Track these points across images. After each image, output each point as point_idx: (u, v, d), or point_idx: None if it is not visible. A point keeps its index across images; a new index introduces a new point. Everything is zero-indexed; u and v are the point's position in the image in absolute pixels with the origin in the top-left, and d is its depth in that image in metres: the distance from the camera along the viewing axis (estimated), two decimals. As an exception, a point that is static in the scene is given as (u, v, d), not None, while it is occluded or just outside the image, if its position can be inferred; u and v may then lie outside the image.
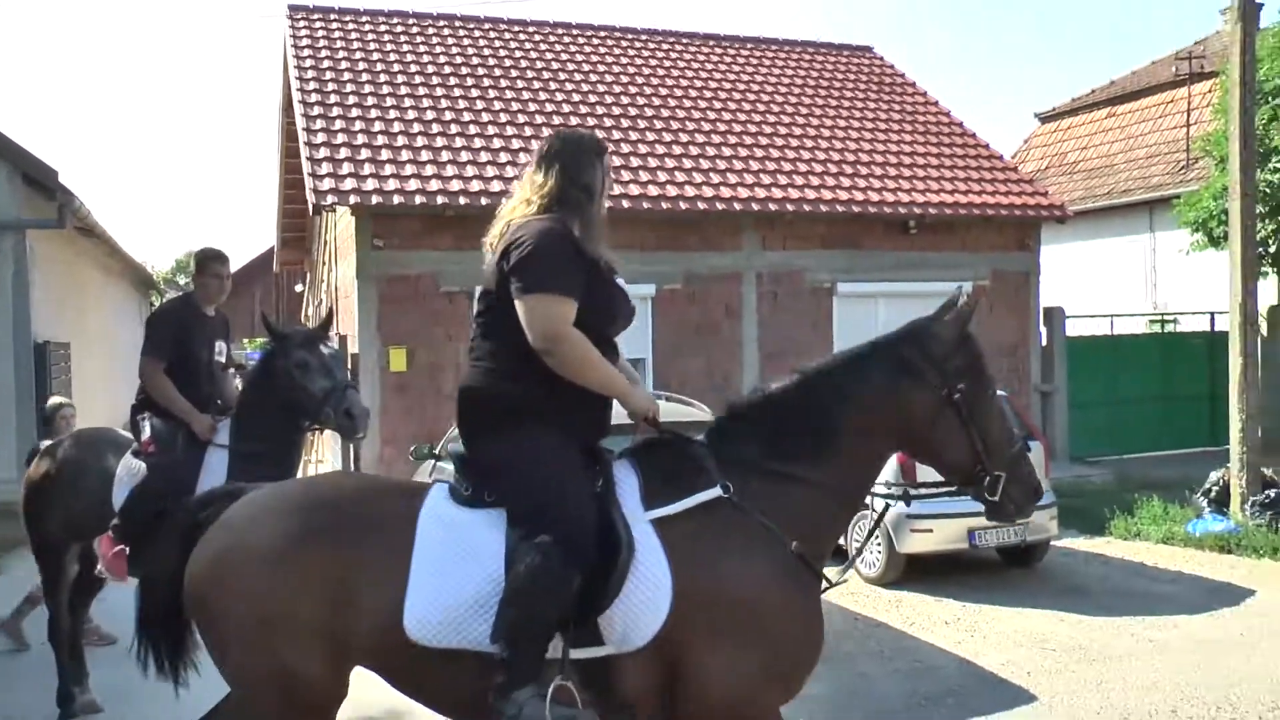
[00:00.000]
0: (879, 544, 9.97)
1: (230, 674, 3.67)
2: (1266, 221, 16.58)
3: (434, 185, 13.54)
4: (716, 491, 3.66)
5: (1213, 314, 18.41)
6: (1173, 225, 19.26)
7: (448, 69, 16.64)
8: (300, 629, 3.52)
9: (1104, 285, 22.05)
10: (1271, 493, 11.82)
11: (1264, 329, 18.83)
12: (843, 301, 15.57)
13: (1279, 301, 19.22)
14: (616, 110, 16.39)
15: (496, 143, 14.79)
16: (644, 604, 3.49)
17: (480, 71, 16.74)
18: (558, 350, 3.62)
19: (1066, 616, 8.88)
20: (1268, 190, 16.15)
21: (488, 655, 3.47)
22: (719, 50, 19.35)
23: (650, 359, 14.56)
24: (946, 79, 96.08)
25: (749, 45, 19.82)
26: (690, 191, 14.76)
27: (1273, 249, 17.20)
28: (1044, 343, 17.32)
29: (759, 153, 16.16)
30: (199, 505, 3.97)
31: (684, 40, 19.43)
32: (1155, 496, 12.74)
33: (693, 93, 17.56)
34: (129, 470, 6.15)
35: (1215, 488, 12.40)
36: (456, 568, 3.55)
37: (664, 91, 17.35)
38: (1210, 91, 20.95)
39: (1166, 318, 20.80)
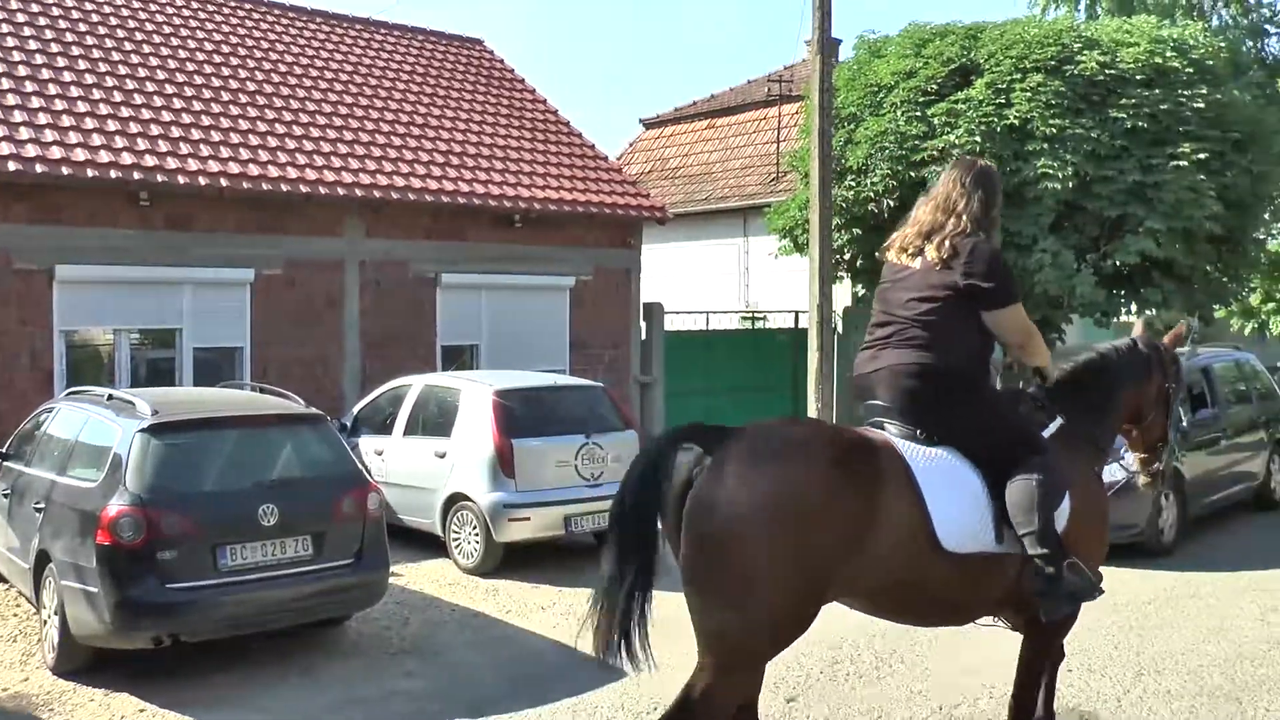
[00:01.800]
0: (476, 534, 9.98)
1: (755, 599, 4.16)
2: (843, 232, 18.11)
3: (6, 149, 12.19)
4: (1060, 421, 5.06)
5: (797, 313, 19.84)
6: (764, 231, 20.62)
7: (21, 16, 15.00)
8: (839, 551, 4.18)
9: (701, 284, 23.28)
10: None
11: (840, 328, 20.61)
12: (446, 292, 15.50)
13: (853, 303, 21.06)
14: (216, 81, 15.45)
15: (82, 106, 13.48)
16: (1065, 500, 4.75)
17: (63, 25, 15.20)
18: (1031, 343, 5.00)
19: (658, 594, 9.21)
20: (844, 205, 17.64)
21: (993, 555, 4.61)
22: (326, 27, 18.63)
23: (248, 347, 13.86)
24: (556, 79, 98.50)
25: (357, 26, 19.26)
26: (292, 173, 14.19)
27: (848, 257, 18.82)
28: (644, 337, 18.08)
29: (365, 138, 15.79)
30: (676, 439, 4.39)
31: (291, 14, 18.57)
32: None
33: (297, 69, 16.85)
34: None
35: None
36: (954, 492, 4.54)
37: (267, 66, 16.53)
38: (798, 113, 22.58)
39: (757, 315, 22.25)
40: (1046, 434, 4.96)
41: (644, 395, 17.91)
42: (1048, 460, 4.66)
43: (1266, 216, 22.54)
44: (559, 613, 8.78)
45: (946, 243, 4.80)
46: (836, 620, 8.23)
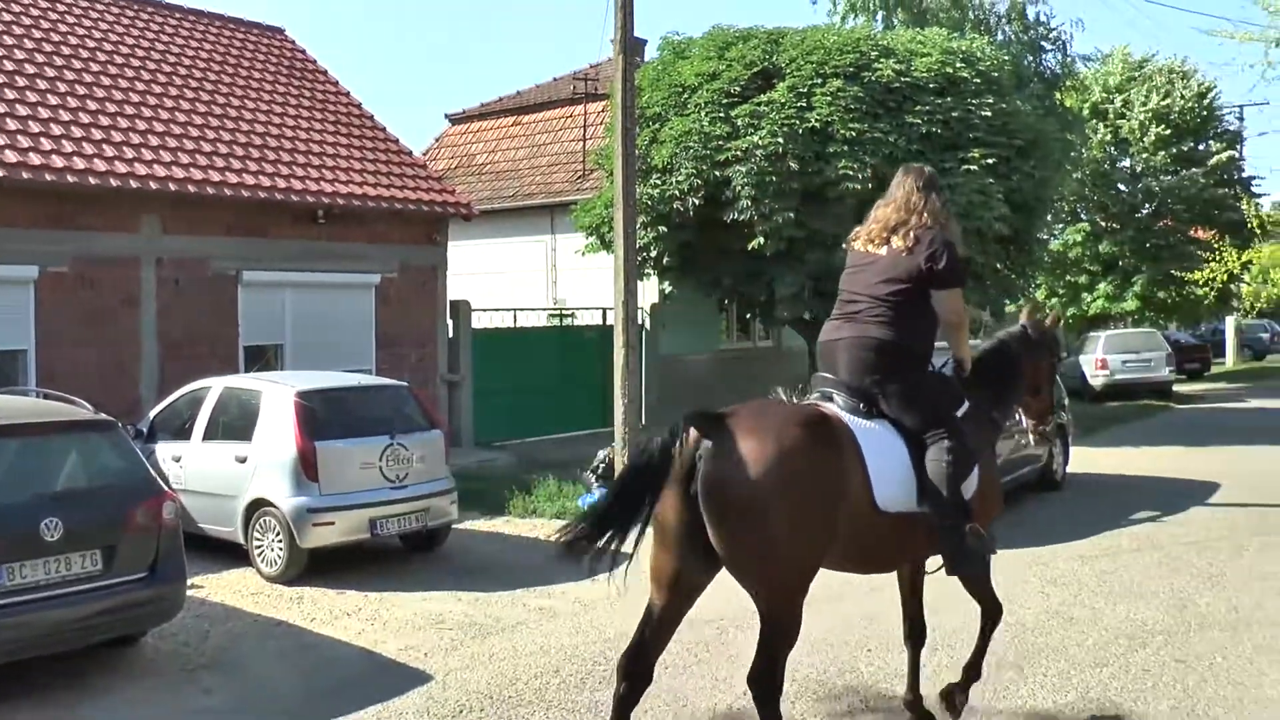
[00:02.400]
0: (279, 540, 9.70)
1: (777, 551, 4.89)
2: (649, 230, 18.33)
3: None
4: (968, 404, 5.79)
5: (605, 309, 20.00)
6: (571, 228, 20.70)
7: None
8: (829, 508, 5.01)
9: (509, 281, 23.20)
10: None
11: (648, 324, 20.85)
12: (248, 290, 15.02)
13: (661, 300, 21.36)
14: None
15: None
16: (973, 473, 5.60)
17: None
18: (962, 330, 5.85)
19: (465, 595, 9.20)
20: (650, 203, 17.85)
21: (913, 514, 5.36)
22: (116, 9, 17.64)
23: (33, 350, 13.10)
24: (359, 72, 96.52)
25: (149, 9, 18.36)
26: (80, 164, 13.48)
27: (655, 254, 19.04)
28: (451, 335, 17.92)
29: (160, 127, 15.11)
30: (685, 425, 4.96)
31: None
32: (552, 476, 13.73)
33: (83, 52, 15.89)
34: None
35: (602, 464, 13.58)
36: (888, 460, 5.31)
37: (48, 47, 15.48)
38: (603, 111, 22.75)
39: (565, 312, 22.32)
40: (963, 410, 5.75)
41: (452, 394, 17.77)
42: (962, 440, 5.46)
43: (1049, 218, 23.99)
44: (365, 618, 8.63)
45: (911, 234, 5.57)
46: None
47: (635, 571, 10.14)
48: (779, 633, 5.03)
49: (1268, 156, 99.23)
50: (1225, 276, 26.77)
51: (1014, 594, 8.99)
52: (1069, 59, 26.53)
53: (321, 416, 10.00)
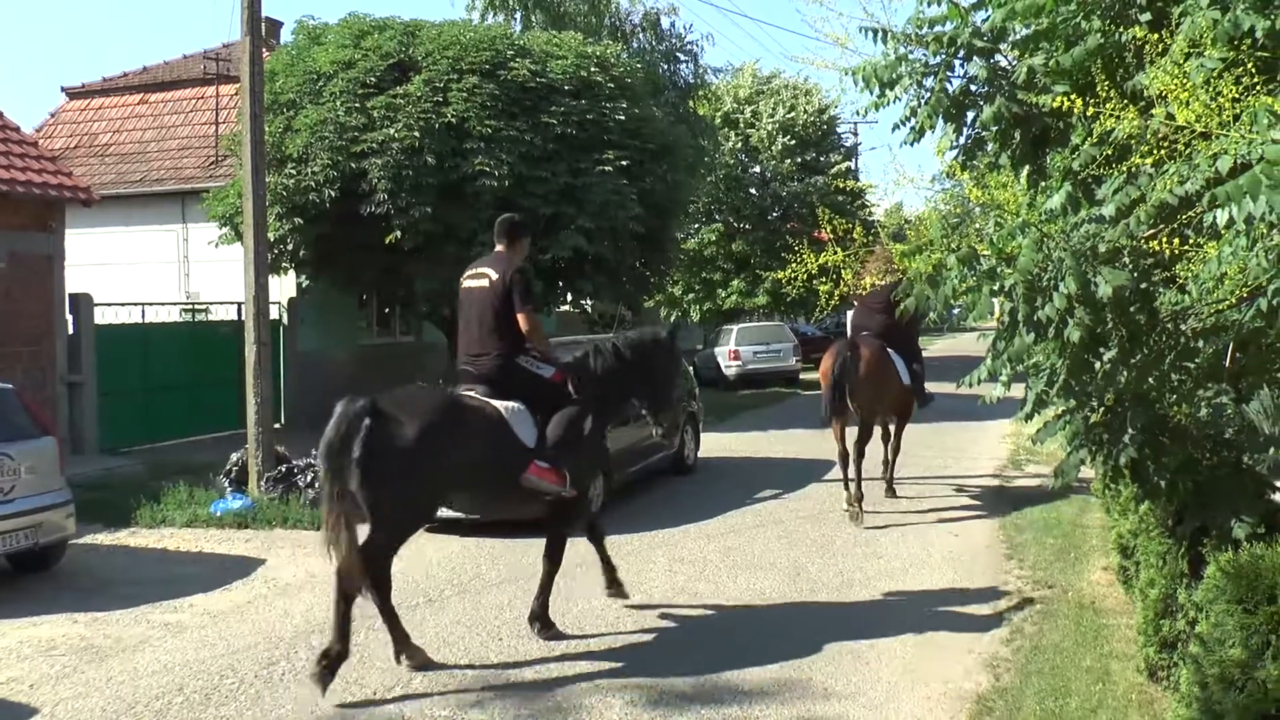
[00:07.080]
0: None
1: (878, 391, 11.65)
2: (284, 221, 17.78)
3: None
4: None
5: (240, 304, 19.21)
6: (204, 217, 19.77)
7: None
8: (891, 376, 12.01)
9: (138, 273, 21.86)
10: (284, 468, 12.77)
11: (285, 319, 20.24)
12: None
13: (299, 294, 20.76)
14: None
15: None
16: None
17: None
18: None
19: (81, 616, 8.53)
20: (284, 193, 17.33)
21: (908, 386, 12.40)
22: None
23: None
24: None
25: None
26: None
27: (291, 246, 18.48)
28: (71, 331, 16.69)
29: None
30: (848, 347, 11.67)
31: None
32: (183, 482, 12.94)
33: None
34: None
35: (235, 468, 13.08)
36: (900, 365, 12.16)
37: None
38: (237, 94, 21.86)
39: (199, 307, 21.26)
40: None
41: (73, 395, 16.56)
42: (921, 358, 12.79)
43: (683, 219, 25.20)
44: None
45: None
46: (278, 621, 8.21)
47: (270, 580, 9.91)
48: (904, 424, 12.66)
49: (877, 170, 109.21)
50: (805, 276, 29.65)
51: (642, 574, 9.45)
52: (702, 70, 27.94)
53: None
